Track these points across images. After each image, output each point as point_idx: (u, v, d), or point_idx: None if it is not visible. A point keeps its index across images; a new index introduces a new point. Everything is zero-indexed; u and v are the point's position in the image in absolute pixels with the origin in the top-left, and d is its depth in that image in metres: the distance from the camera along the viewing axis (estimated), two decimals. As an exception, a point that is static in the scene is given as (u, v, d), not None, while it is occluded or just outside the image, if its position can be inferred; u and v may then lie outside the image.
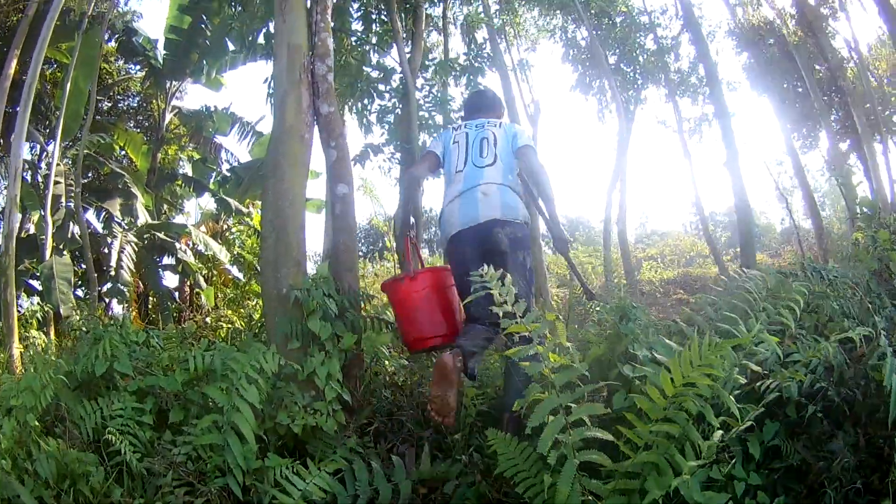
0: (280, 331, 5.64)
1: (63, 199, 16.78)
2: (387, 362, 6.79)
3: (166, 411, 5.04)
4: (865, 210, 8.95)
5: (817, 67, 21.98)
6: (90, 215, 18.99)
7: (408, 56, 10.79)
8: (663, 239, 43.22)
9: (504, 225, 5.34)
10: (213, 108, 21.14)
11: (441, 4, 12.93)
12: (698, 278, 23.89)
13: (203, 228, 20.68)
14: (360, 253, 33.27)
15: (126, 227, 18.03)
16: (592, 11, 20.33)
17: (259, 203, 18.77)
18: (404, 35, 10.95)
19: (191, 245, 19.28)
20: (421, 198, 6.69)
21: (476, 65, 11.97)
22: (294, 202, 6.22)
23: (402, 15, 11.39)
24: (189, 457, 4.42)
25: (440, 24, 13.75)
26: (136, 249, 17.25)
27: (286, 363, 5.15)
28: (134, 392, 5.00)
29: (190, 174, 22.35)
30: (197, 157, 22.75)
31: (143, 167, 20.93)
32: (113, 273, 16.40)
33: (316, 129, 6.85)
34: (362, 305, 6.40)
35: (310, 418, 4.95)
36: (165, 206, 22.41)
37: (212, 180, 21.89)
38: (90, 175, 20.84)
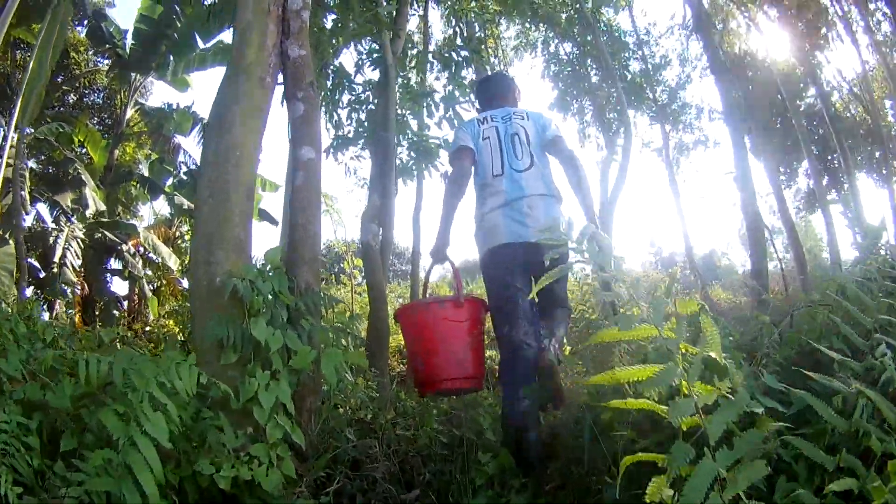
0: (210, 336, 3.98)
1: (14, 185, 15.24)
2: (350, 390, 5.07)
3: (61, 431, 3.59)
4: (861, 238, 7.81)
5: (798, 103, 20.85)
6: (42, 207, 17.95)
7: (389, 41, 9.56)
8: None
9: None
10: (175, 106, 20.38)
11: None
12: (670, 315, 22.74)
13: (154, 233, 19.05)
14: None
15: (73, 221, 16.40)
16: (576, 30, 18.99)
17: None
18: (386, 16, 9.60)
19: (140, 250, 17.66)
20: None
21: (458, 58, 10.66)
22: (241, 161, 4.58)
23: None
24: (81, 502, 2.98)
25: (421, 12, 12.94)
26: (83, 247, 15.58)
27: (215, 383, 3.56)
28: (20, 401, 3.58)
29: (146, 175, 20.66)
30: (154, 156, 21.14)
31: (100, 163, 19.91)
32: (56, 270, 14.75)
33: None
34: (323, 312, 4.72)
35: (244, 468, 3.33)
36: (119, 208, 20.69)
37: (168, 183, 20.74)
38: (50, 169, 20.10)
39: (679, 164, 22.11)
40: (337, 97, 10.02)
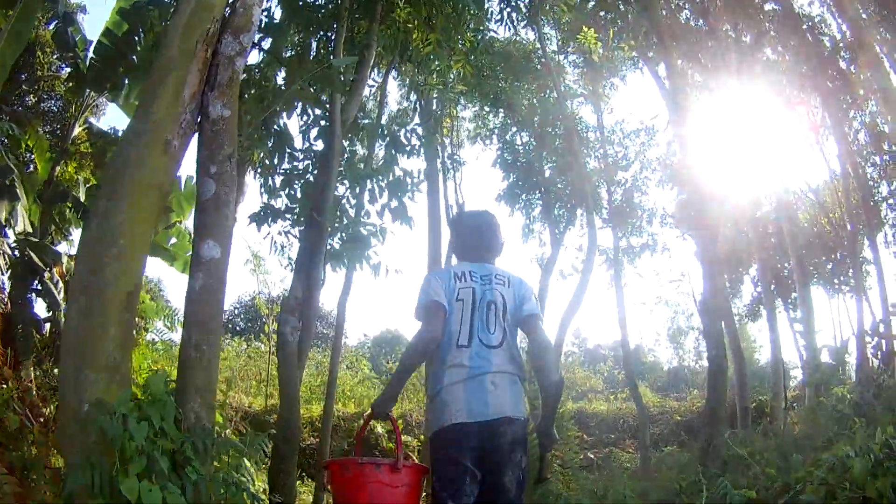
0: (74, 481, 3.28)
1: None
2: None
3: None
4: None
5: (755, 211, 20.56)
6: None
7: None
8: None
9: (511, 423, 4.23)
10: (120, 132, 18.43)
11: (390, 57, 11.09)
12: (594, 415, 22.36)
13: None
14: (238, 327, 30.77)
15: (7, 234, 15.19)
16: (536, 119, 18.25)
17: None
18: (341, 73, 8.75)
19: (65, 278, 16.47)
20: None
21: (408, 144, 10.02)
22: (126, 254, 3.86)
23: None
24: None
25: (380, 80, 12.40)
26: (9, 263, 14.47)
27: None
28: None
29: (82, 199, 19.39)
30: (93, 181, 19.86)
31: (42, 176, 17.82)
32: (-23, 283, 13.77)
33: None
34: (214, 453, 4.01)
35: None
36: (53, 228, 19.35)
37: (102, 212, 18.89)
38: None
39: (623, 267, 21.52)
40: (276, 162, 9.25)
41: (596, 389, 27.26)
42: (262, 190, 9.36)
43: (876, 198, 18.28)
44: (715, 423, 10.43)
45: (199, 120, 4.44)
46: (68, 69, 18.40)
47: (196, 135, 4.45)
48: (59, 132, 19.46)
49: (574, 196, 18.19)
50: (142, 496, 3.11)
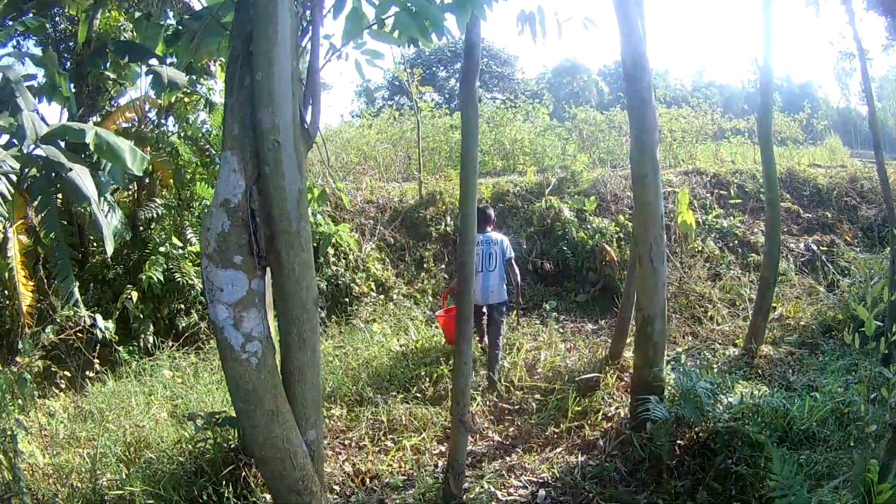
0: None
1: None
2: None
3: None
4: None
5: None
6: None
7: None
8: (723, 92, 36.85)
9: (499, 303, 9.65)
10: None
11: None
12: (806, 181, 16.31)
13: (121, 118, 14.36)
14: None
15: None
16: None
17: (222, 61, 12.49)
18: None
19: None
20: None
21: None
22: None
23: None
24: None
25: None
26: (19, 177, 10.71)
27: None
28: None
29: (134, 39, 14.39)
30: (139, 14, 14.38)
31: (81, 40, 14.20)
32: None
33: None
34: None
35: None
36: (108, 83, 14.83)
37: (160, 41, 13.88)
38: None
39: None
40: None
41: (796, 139, 21.38)
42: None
43: None
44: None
45: None
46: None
47: None
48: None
49: None
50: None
